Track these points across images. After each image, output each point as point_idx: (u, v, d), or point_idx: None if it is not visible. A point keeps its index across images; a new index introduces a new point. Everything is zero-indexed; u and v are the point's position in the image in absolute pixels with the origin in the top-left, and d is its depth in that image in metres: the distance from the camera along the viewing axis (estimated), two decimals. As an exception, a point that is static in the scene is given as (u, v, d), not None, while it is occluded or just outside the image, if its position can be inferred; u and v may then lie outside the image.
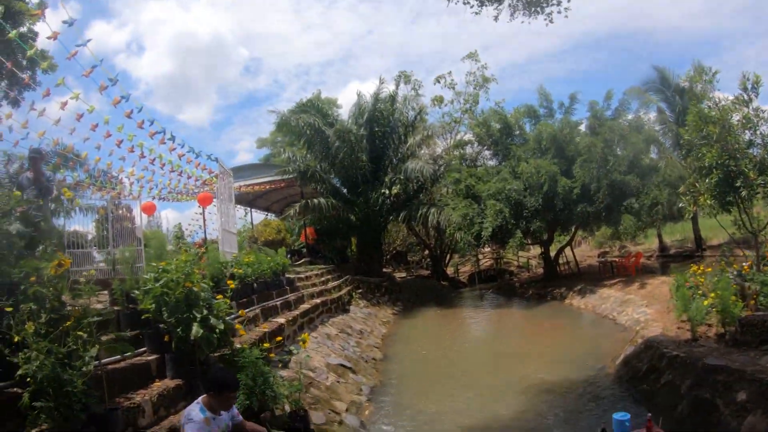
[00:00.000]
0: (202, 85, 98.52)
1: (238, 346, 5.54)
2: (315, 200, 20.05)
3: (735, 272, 8.28)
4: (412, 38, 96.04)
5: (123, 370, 4.42)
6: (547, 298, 19.54)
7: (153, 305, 4.85)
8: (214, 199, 13.47)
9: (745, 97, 8.81)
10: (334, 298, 14.29)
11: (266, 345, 5.62)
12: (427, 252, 31.80)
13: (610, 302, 14.73)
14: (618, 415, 4.60)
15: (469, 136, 27.53)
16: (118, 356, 4.52)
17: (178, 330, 4.73)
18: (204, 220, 16.79)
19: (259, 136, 53.73)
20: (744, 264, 8.48)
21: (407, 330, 15.60)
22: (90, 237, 11.07)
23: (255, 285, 9.46)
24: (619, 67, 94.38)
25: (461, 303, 22.42)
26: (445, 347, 12.74)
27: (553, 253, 23.48)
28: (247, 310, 8.00)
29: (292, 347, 7.14)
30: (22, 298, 3.54)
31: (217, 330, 4.92)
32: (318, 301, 12.62)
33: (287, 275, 12.31)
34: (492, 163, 24.34)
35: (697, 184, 9.71)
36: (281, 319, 9.08)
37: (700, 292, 8.35)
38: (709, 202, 9.38)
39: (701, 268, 9.16)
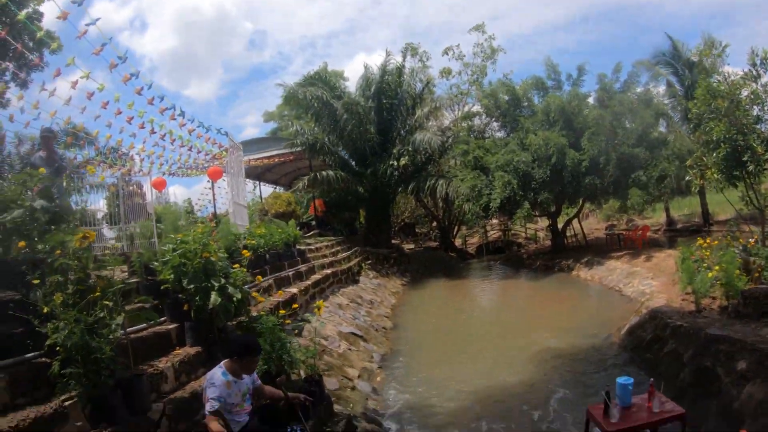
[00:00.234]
0: (207, 60, 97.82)
1: (255, 314, 5.73)
2: (323, 173, 20.14)
3: (740, 247, 8.33)
4: (419, 9, 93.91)
5: (145, 339, 4.60)
6: (554, 269, 19.72)
7: (172, 275, 4.99)
8: (224, 173, 13.59)
9: (754, 72, 8.73)
10: (344, 269, 14.53)
11: (282, 312, 5.79)
12: (435, 224, 31.95)
13: (617, 274, 14.86)
14: (621, 380, 4.76)
15: (477, 108, 27.41)
16: (141, 325, 4.69)
17: (197, 299, 4.88)
18: (213, 195, 16.92)
19: (266, 109, 53.27)
20: (750, 239, 8.52)
21: (416, 300, 15.88)
22: (101, 215, 11.29)
23: (267, 256, 9.66)
24: (628, 39, 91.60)
25: (469, 274, 22.65)
26: (454, 317, 12.99)
27: (560, 226, 23.53)
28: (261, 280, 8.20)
29: (307, 314, 7.34)
30: (48, 271, 3.65)
31: (235, 298, 5.07)
32: (329, 271, 12.85)
33: (298, 247, 12.50)
34: (500, 134, 24.34)
35: (704, 158, 9.71)
36: (294, 289, 9.30)
37: (705, 265, 8.43)
38: (716, 176, 9.39)
39: (707, 242, 9.24)
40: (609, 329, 9.51)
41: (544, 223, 29.20)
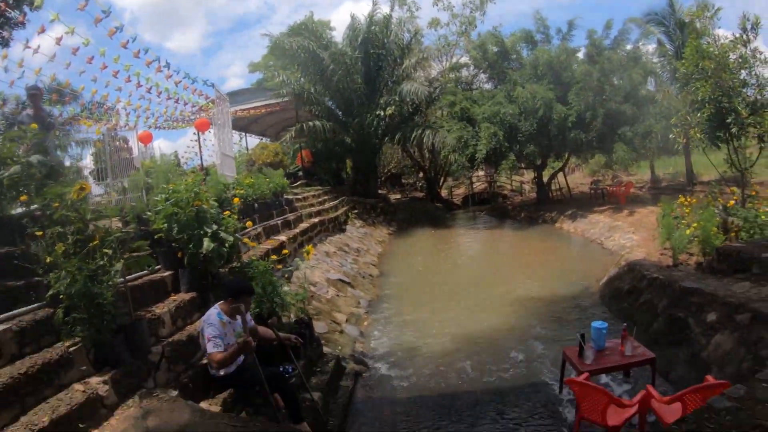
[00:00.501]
0: (190, 10, 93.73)
1: (246, 260, 5.87)
2: (310, 123, 19.95)
3: (720, 207, 8.57)
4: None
5: (142, 286, 4.70)
6: (538, 221, 20.07)
7: (165, 224, 5.06)
8: (211, 125, 13.39)
9: (744, 37, 8.73)
10: (331, 218, 14.66)
11: (273, 257, 5.94)
12: (421, 174, 31.99)
13: (599, 228, 15.20)
14: (596, 324, 5.06)
15: (465, 59, 26.92)
16: (138, 273, 4.81)
17: (190, 246, 4.99)
18: (200, 147, 16.63)
19: (251, 60, 51.72)
20: (730, 200, 8.77)
21: (402, 249, 16.16)
22: (87, 171, 11.17)
23: (256, 205, 9.71)
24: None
25: (455, 224, 22.95)
26: (439, 265, 13.32)
27: (546, 179, 23.77)
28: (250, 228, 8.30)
29: (297, 259, 7.52)
30: (48, 223, 3.72)
31: (227, 243, 5.19)
32: (316, 220, 12.98)
33: (286, 196, 12.55)
34: (488, 86, 24.14)
35: (689, 117, 9.83)
36: (282, 237, 9.43)
37: (684, 222, 8.70)
38: (698, 135, 9.53)
39: (688, 200, 9.48)
40: (589, 279, 9.86)
41: (529, 175, 29.40)
